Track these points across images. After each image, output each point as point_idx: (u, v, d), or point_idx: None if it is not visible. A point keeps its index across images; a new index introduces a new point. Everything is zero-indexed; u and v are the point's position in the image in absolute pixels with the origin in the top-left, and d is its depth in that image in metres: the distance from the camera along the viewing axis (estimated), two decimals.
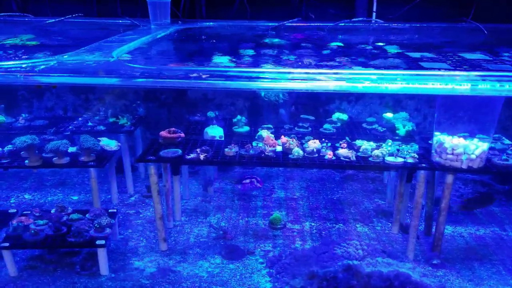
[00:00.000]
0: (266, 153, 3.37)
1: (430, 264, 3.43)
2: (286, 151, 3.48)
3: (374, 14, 5.13)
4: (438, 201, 4.04)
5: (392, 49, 3.59)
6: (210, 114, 4.22)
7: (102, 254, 3.27)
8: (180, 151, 3.47)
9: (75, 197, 4.43)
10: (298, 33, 4.50)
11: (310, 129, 4.24)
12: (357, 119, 4.81)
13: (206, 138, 3.99)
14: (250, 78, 2.51)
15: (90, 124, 4.31)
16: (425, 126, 4.85)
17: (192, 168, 4.72)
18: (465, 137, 3.23)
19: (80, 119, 4.43)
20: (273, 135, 3.67)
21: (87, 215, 3.55)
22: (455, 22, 4.69)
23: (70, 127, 4.23)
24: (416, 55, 3.36)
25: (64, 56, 2.83)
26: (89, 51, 3.03)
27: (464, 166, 3.23)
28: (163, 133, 3.68)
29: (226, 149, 3.45)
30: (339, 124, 4.34)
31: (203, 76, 2.51)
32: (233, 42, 4.08)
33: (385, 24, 4.66)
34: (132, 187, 4.50)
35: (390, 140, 3.55)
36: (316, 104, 4.91)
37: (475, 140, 3.25)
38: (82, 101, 4.94)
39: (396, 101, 4.79)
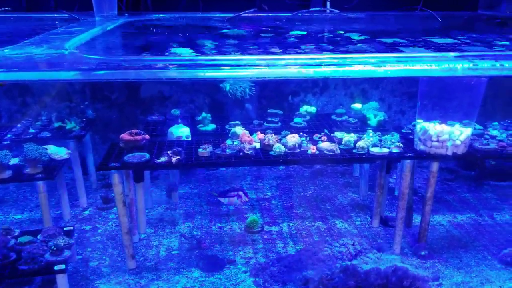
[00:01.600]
0: (246, 152, 3.07)
1: (418, 256, 3.32)
2: (265, 147, 3.21)
3: (328, 3, 5.04)
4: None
5: (356, 36, 3.47)
6: (175, 112, 3.81)
7: (62, 280, 2.78)
8: (147, 155, 3.07)
9: (18, 216, 3.83)
10: (255, 23, 4.30)
11: (280, 123, 4.00)
12: (324, 111, 4.66)
13: (171, 139, 3.60)
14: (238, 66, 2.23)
15: (32, 130, 3.73)
16: (391, 115, 4.80)
17: (150, 173, 4.29)
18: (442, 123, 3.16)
19: (19, 125, 3.82)
20: (248, 132, 3.38)
21: (39, 237, 3.03)
22: (409, 10, 4.72)
23: (9, 135, 3.63)
24: (389, 40, 3.25)
25: (5, 50, 2.37)
26: (34, 44, 2.60)
27: (449, 153, 3.14)
28: (124, 136, 3.24)
29: (200, 150, 3.10)
30: (308, 117, 4.14)
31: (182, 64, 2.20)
32: (189, 34, 3.80)
33: (342, 14, 4.60)
34: (85, 199, 3.98)
35: (371, 131, 3.40)
36: (280, 97, 4.68)
37: (457, 126, 3.18)
38: (19, 106, 4.31)
39: (361, 91, 4.69)
